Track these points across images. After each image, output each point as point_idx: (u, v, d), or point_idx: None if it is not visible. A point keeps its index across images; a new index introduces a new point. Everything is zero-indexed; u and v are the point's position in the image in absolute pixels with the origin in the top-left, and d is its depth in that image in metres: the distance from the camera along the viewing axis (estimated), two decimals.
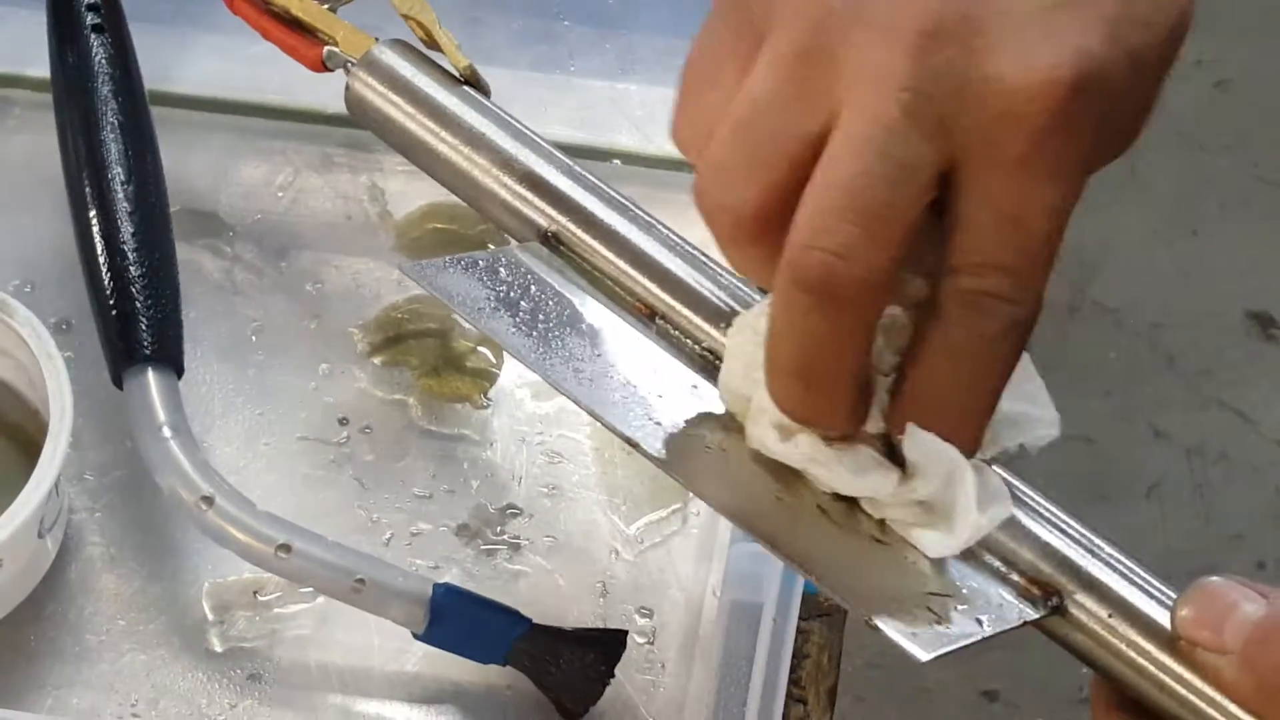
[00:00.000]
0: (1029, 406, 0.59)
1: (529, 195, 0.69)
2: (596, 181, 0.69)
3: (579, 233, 0.68)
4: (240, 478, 0.77)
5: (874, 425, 0.58)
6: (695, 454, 0.62)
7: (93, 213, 0.77)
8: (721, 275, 0.65)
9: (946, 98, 0.53)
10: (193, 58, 0.89)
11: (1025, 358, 0.57)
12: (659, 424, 0.62)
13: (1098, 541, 0.61)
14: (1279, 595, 0.57)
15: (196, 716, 0.73)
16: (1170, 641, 0.58)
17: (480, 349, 0.82)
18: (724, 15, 0.57)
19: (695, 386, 0.64)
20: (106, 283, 0.76)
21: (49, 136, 0.81)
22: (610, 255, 0.67)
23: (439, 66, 0.73)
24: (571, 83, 0.90)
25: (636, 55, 0.90)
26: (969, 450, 0.57)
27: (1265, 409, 1.88)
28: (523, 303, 0.65)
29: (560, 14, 0.92)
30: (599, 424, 0.62)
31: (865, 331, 0.55)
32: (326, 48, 0.75)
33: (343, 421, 0.80)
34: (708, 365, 0.64)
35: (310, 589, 0.74)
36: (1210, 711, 0.57)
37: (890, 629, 0.56)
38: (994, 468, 0.60)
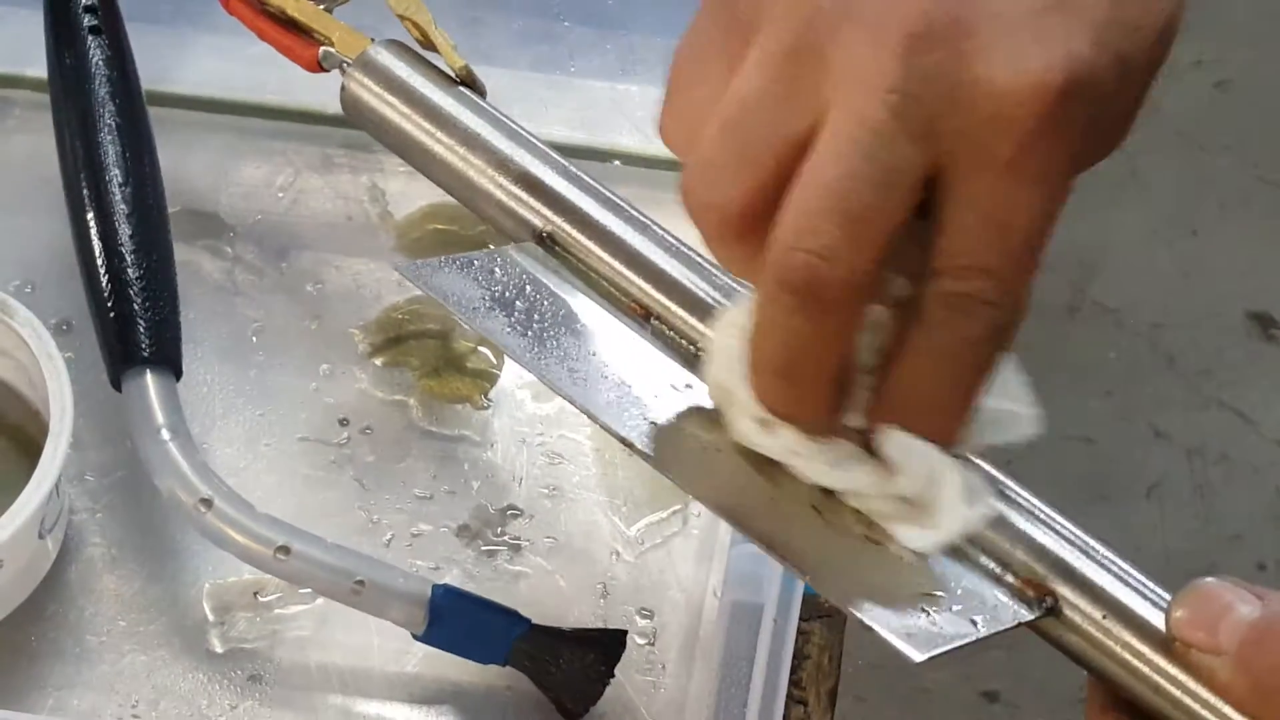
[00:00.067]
0: (1011, 404, 0.59)
1: (524, 196, 0.69)
2: (592, 182, 0.69)
3: (574, 233, 0.68)
4: (241, 478, 0.77)
5: (855, 420, 0.58)
6: (689, 453, 0.62)
7: (90, 215, 0.77)
8: (716, 275, 0.66)
9: (934, 100, 0.53)
10: (192, 57, 0.89)
11: (1009, 355, 0.57)
12: (654, 423, 0.62)
13: (1092, 543, 0.61)
14: (1274, 597, 0.57)
15: (197, 717, 0.73)
16: (1165, 643, 0.58)
17: (481, 350, 0.82)
18: (713, 12, 0.57)
19: (690, 386, 0.64)
20: (104, 285, 0.76)
21: (50, 136, 0.81)
22: (605, 256, 0.67)
23: (435, 67, 0.73)
24: (572, 83, 0.90)
25: (637, 56, 0.90)
26: (949, 448, 0.58)
27: (1265, 409, 1.88)
28: (518, 303, 0.65)
29: (560, 14, 0.92)
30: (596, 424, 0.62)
31: (847, 332, 0.55)
32: (322, 48, 0.75)
33: (343, 422, 0.80)
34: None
35: (310, 590, 0.74)
36: (1205, 713, 0.57)
37: (883, 629, 0.56)
38: (979, 462, 0.60)
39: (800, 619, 0.75)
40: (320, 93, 0.78)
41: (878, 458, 0.59)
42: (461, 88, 0.73)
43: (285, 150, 0.88)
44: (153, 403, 0.74)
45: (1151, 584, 0.60)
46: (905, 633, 0.56)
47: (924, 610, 0.58)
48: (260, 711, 0.73)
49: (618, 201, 0.69)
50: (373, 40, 0.74)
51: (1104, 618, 0.59)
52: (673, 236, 0.67)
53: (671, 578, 0.77)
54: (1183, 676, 0.58)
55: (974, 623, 0.58)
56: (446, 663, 0.73)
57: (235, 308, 0.83)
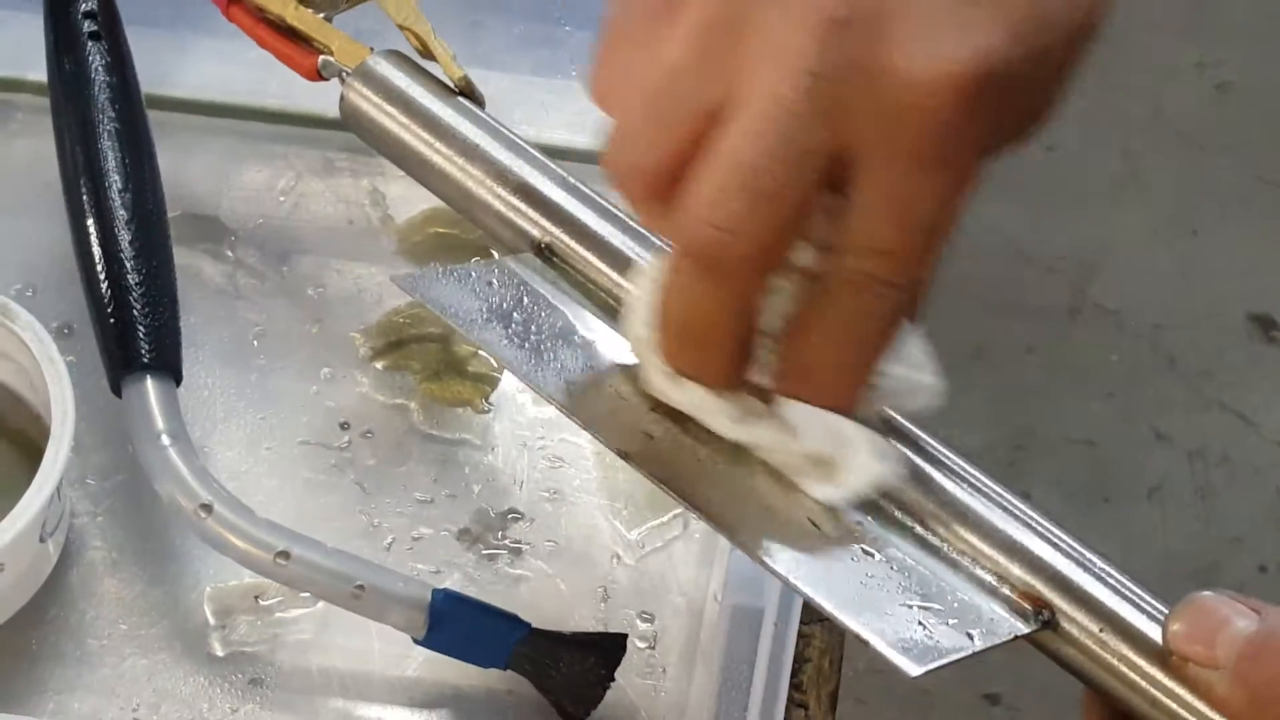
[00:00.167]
0: (913, 372, 0.61)
1: (522, 206, 0.69)
2: (590, 192, 0.69)
3: (572, 244, 0.68)
4: (241, 482, 0.77)
5: (763, 380, 0.60)
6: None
7: (90, 220, 0.77)
8: None
9: (848, 85, 0.54)
10: (193, 61, 0.89)
11: (912, 327, 0.59)
12: (651, 437, 0.62)
13: (1089, 555, 0.61)
14: (1271, 611, 0.57)
15: None
16: (1162, 656, 0.58)
17: (481, 354, 0.82)
18: None
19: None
20: (104, 291, 0.76)
21: (51, 141, 0.81)
22: (603, 267, 0.67)
23: (434, 77, 0.73)
24: (572, 87, 0.90)
25: None
26: (848, 415, 0.59)
27: (1266, 411, 1.88)
28: (515, 314, 0.65)
29: (561, 19, 0.92)
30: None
31: (748, 301, 0.57)
32: (321, 57, 0.75)
33: (344, 426, 0.80)
34: None
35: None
36: None
37: (880, 643, 0.56)
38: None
39: (801, 622, 0.75)
40: (321, 97, 0.78)
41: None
42: (461, 98, 0.73)
43: (286, 154, 0.88)
44: (153, 408, 0.74)
45: (1149, 597, 0.60)
46: (902, 646, 0.56)
47: (920, 623, 0.58)
48: (261, 715, 0.73)
49: (616, 212, 0.69)
50: (372, 49, 0.74)
51: (1101, 631, 0.59)
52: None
53: (672, 581, 0.77)
54: (1180, 690, 0.58)
55: (970, 636, 0.58)
56: (447, 667, 0.73)
57: (236, 312, 0.83)
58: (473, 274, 0.66)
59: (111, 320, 0.75)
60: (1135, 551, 1.74)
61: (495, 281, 0.66)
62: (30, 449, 0.76)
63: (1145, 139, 1.93)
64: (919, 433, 0.63)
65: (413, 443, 0.80)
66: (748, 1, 0.55)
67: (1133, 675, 0.59)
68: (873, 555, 0.60)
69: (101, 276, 0.76)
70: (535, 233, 0.69)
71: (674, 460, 0.61)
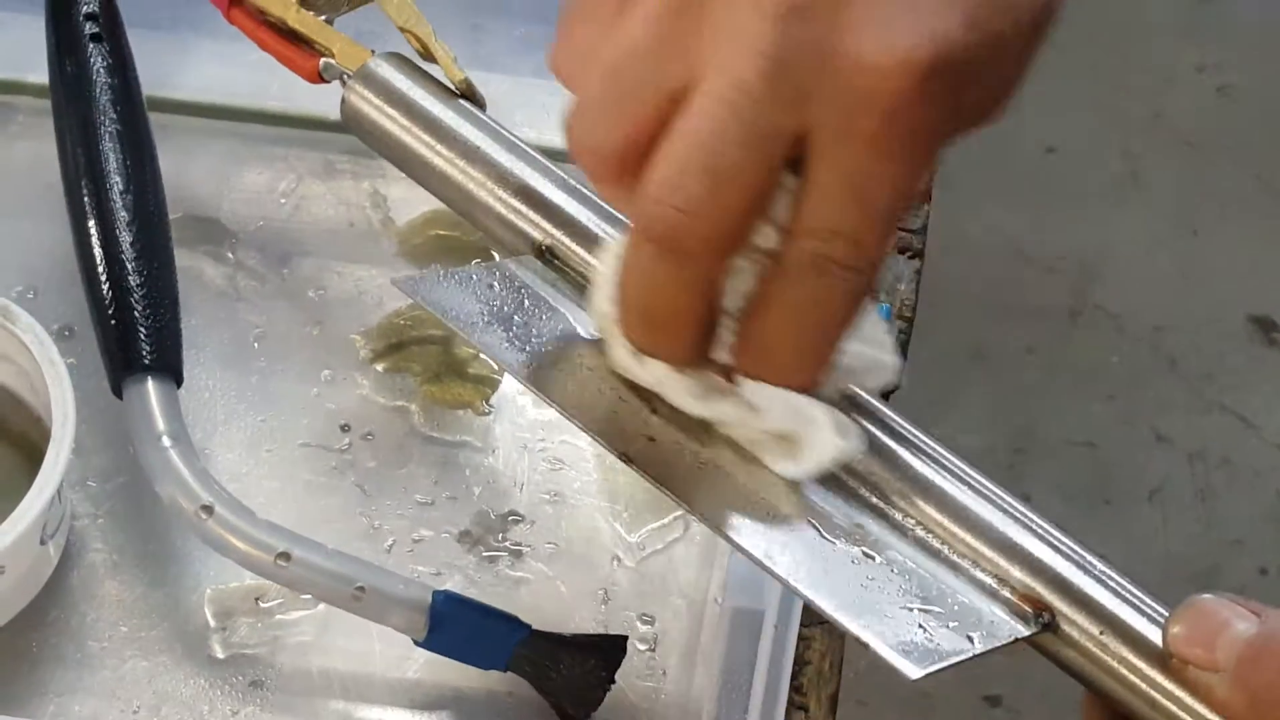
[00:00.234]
0: (873, 350, 0.61)
1: (523, 209, 0.69)
2: (591, 195, 0.69)
3: (573, 246, 0.68)
4: (242, 484, 0.77)
5: (724, 357, 0.60)
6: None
7: (91, 222, 0.77)
8: None
9: (805, 68, 0.54)
10: (194, 63, 0.89)
11: (871, 306, 0.59)
12: (652, 439, 0.62)
13: (1089, 558, 0.61)
14: (1270, 613, 0.57)
15: None
16: (1162, 659, 0.58)
17: (482, 356, 0.82)
18: None
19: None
20: (105, 292, 0.76)
21: (52, 143, 0.82)
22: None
23: (435, 80, 0.73)
24: None
25: None
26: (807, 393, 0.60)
27: (1267, 413, 1.88)
28: (516, 317, 0.65)
29: None
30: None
31: (709, 283, 0.57)
32: (323, 59, 0.75)
33: (345, 428, 0.80)
34: None
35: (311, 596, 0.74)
36: None
37: (880, 645, 0.56)
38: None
39: (801, 625, 0.75)
40: (322, 99, 0.78)
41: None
42: (462, 100, 0.73)
43: (287, 156, 0.88)
44: (154, 410, 0.74)
45: (1149, 599, 0.60)
46: (902, 648, 0.57)
47: (921, 626, 0.58)
48: (261, 717, 0.73)
49: (617, 215, 0.69)
50: (373, 52, 0.74)
51: (1101, 633, 0.59)
52: None
53: (673, 584, 0.77)
54: (1180, 693, 0.58)
55: (970, 638, 0.58)
56: (447, 668, 0.73)
57: (237, 314, 0.83)
58: (473, 276, 0.66)
59: (112, 322, 0.75)
60: (1135, 554, 1.74)
61: (496, 284, 0.66)
62: (31, 451, 0.76)
63: (1146, 140, 1.93)
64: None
65: (413, 445, 0.80)
66: None
67: (1133, 678, 0.59)
68: (873, 558, 0.60)
69: (103, 278, 0.76)
70: (536, 235, 0.69)
71: (674, 463, 0.61)
